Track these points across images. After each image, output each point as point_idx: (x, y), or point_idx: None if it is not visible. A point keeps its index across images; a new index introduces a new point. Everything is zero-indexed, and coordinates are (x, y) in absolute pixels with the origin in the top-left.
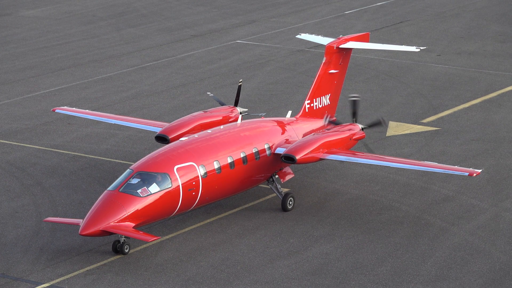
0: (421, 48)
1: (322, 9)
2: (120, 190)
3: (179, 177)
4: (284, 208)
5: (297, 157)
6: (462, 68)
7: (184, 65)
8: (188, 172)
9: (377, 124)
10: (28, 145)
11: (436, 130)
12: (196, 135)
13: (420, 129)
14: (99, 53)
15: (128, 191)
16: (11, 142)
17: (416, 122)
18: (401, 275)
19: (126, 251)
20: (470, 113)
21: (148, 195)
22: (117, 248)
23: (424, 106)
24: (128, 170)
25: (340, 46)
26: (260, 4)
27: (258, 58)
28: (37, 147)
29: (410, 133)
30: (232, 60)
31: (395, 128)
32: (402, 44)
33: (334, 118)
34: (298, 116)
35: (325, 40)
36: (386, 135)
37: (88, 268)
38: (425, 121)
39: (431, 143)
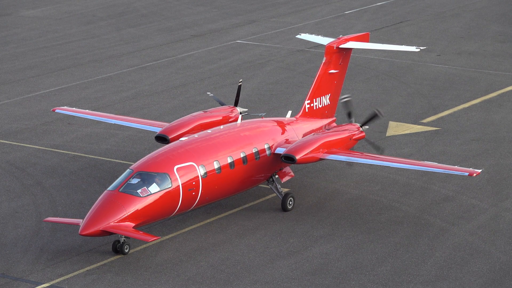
0: (421, 48)
1: (322, 9)
2: (120, 190)
3: (179, 177)
4: (284, 208)
5: (297, 157)
6: (462, 68)
7: (184, 65)
8: (188, 172)
9: (374, 117)
10: (28, 145)
11: (436, 130)
12: (196, 135)
13: (420, 129)
14: (99, 53)
15: (128, 191)
16: (11, 142)
17: (416, 122)
18: (401, 275)
19: (126, 251)
20: (470, 113)
21: (148, 195)
22: (117, 248)
23: (424, 106)
24: (128, 170)
25: (340, 46)
26: (260, 4)
27: (258, 58)
28: (37, 147)
29: (410, 133)
30: (232, 60)
31: (395, 128)
32: (402, 44)
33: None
34: (298, 116)
35: (325, 40)
36: (386, 135)
37: (88, 268)
38: (425, 121)
39: (431, 143)
